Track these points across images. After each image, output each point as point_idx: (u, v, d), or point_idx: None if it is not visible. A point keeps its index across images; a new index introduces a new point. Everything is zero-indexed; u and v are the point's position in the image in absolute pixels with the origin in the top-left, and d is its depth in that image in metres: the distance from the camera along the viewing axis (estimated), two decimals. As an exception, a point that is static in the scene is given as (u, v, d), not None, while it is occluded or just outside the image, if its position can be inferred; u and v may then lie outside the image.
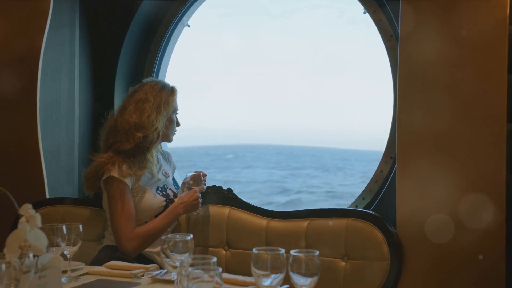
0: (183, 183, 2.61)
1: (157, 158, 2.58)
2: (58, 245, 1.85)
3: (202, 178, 2.56)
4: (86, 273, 2.06)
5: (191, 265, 1.29)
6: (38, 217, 1.46)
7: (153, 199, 2.47)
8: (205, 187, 2.57)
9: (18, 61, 2.96)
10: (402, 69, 2.30)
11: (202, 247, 2.59)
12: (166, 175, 2.63)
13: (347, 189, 24.51)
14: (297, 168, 33.53)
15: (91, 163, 2.45)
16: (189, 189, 2.52)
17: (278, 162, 38.55)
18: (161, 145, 2.72)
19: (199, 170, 2.64)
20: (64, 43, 3.13)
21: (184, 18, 3.33)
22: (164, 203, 2.49)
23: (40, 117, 2.90)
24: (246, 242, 2.50)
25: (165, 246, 1.72)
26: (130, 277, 2.00)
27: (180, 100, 2.58)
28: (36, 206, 2.67)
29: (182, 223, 2.63)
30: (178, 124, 2.61)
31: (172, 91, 2.54)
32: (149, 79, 2.61)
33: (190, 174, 2.57)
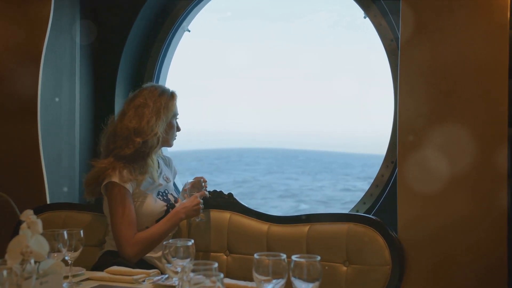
0: (184, 190, 2.60)
1: (158, 163, 2.58)
2: (59, 251, 1.84)
3: (203, 184, 2.56)
4: (87, 279, 2.06)
5: (193, 271, 1.29)
6: (39, 223, 1.46)
7: (154, 204, 2.47)
8: (206, 193, 2.56)
9: (19, 66, 2.96)
10: (403, 73, 2.30)
11: (203, 252, 2.58)
12: (167, 180, 2.63)
13: (311, 187, 25.99)
14: (272, 172, 33.94)
15: (92, 169, 2.45)
16: (190, 195, 2.52)
17: (259, 165, 38.98)
18: (161, 150, 2.72)
19: (198, 175, 2.63)
20: (65, 48, 3.14)
21: (184, 23, 3.34)
22: (165, 208, 2.49)
23: (41, 122, 2.90)
24: (247, 247, 2.50)
25: (167, 251, 1.71)
26: (131, 283, 2.00)
27: (181, 104, 2.59)
28: (37, 212, 2.67)
29: (183, 228, 2.63)
30: (178, 129, 2.61)
31: (171, 96, 2.54)
32: (148, 84, 2.61)
33: (190, 181, 2.57)
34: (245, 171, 33.66)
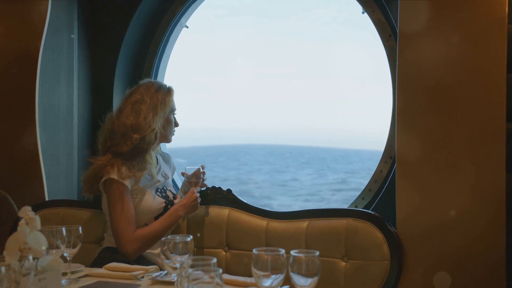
0: (182, 174, 2.60)
1: (156, 159, 2.58)
2: (57, 247, 1.84)
3: (202, 170, 2.55)
4: (86, 275, 2.06)
5: (191, 266, 1.29)
6: (37, 220, 1.46)
7: (153, 200, 2.46)
8: (204, 181, 2.57)
9: (17, 64, 2.96)
10: (401, 69, 2.30)
11: (202, 248, 2.58)
12: (165, 176, 2.63)
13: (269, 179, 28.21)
14: (252, 169, 34.80)
15: (90, 166, 2.45)
16: (189, 183, 2.52)
17: (247, 161, 39.70)
18: (160, 147, 2.71)
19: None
20: (63, 46, 3.13)
21: (182, 19, 3.33)
22: (164, 204, 2.49)
23: (39, 120, 2.90)
24: (246, 243, 2.50)
25: (165, 247, 1.71)
26: (130, 279, 2.00)
27: (179, 101, 2.58)
28: (36, 209, 2.67)
29: (182, 224, 2.63)
30: (176, 124, 2.61)
31: (168, 91, 2.54)
32: (145, 80, 2.61)
33: (189, 167, 2.56)
34: (225, 168, 34.05)
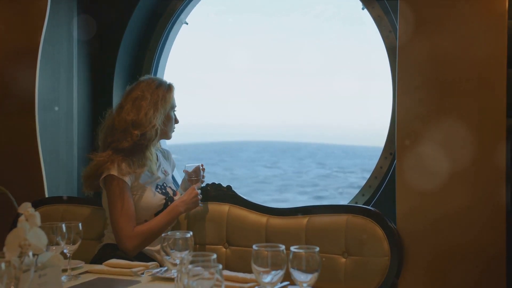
0: (184, 171, 2.60)
1: (157, 156, 2.58)
2: (58, 244, 1.85)
3: (202, 168, 2.55)
4: (86, 272, 2.06)
5: (191, 263, 1.29)
6: (37, 216, 1.46)
7: (153, 197, 2.46)
8: (203, 179, 2.58)
9: (16, 59, 2.95)
10: (401, 65, 2.29)
11: (201, 245, 2.58)
12: (165, 173, 2.63)
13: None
14: (234, 167, 35.34)
15: (90, 163, 2.45)
16: (190, 180, 2.52)
17: (236, 158, 40.08)
18: (160, 143, 2.71)
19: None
20: (63, 41, 3.13)
21: (182, 16, 3.33)
22: (164, 201, 2.49)
23: (39, 116, 2.89)
24: (246, 239, 2.50)
25: (165, 243, 1.72)
26: (130, 275, 2.00)
27: (179, 97, 2.58)
28: (36, 205, 2.67)
29: (182, 221, 2.63)
30: (176, 121, 2.61)
31: (169, 88, 2.53)
32: (146, 76, 2.61)
33: (189, 165, 2.57)
34: (213, 164, 34.51)
